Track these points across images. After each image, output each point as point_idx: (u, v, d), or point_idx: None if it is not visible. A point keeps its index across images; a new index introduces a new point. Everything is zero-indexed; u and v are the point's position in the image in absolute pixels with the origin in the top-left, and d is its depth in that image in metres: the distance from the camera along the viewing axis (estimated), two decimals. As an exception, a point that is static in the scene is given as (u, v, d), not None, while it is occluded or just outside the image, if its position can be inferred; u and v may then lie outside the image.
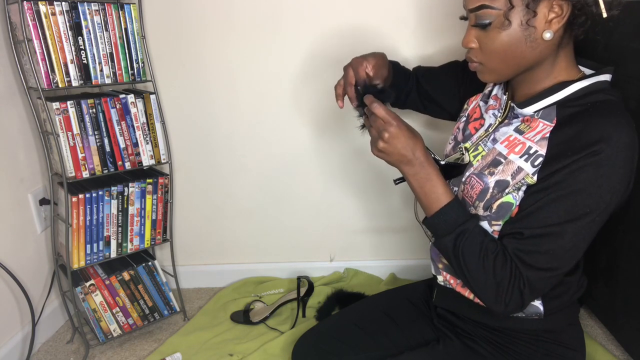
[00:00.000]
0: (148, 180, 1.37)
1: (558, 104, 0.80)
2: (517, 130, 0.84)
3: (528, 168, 0.79)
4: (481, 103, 0.98)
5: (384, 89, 0.92)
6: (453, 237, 0.82)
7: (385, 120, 0.82)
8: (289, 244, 1.68)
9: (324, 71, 1.44)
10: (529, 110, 0.83)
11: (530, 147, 0.80)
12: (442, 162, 0.92)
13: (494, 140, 0.87)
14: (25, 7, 1.10)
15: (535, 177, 0.78)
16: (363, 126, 0.93)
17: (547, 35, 0.76)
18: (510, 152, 0.83)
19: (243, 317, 1.49)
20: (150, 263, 1.45)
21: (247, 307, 1.53)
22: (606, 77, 0.81)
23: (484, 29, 0.79)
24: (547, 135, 0.79)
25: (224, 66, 1.45)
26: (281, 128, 1.52)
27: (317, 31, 1.40)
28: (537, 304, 0.88)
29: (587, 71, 0.84)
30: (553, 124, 0.79)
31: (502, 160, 0.83)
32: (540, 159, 0.78)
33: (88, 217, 1.29)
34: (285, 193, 1.61)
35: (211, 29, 1.41)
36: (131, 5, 1.24)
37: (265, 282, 1.67)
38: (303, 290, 1.52)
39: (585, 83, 0.79)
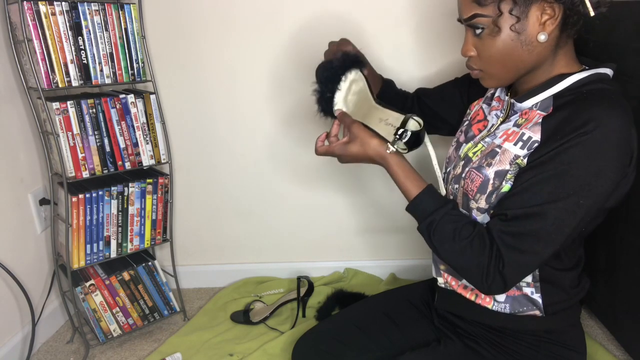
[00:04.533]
0: (148, 180, 1.37)
1: (555, 95, 0.81)
2: (515, 125, 0.85)
3: (522, 154, 0.80)
4: (484, 106, 0.98)
5: (359, 57, 0.97)
6: (425, 225, 0.85)
7: (329, 154, 0.95)
8: (289, 244, 1.68)
9: (324, 71, 1.44)
10: (528, 103, 0.84)
11: (523, 134, 0.81)
12: (392, 149, 0.90)
13: (493, 136, 0.88)
14: (25, 7, 1.10)
15: (525, 160, 0.79)
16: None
17: (542, 37, 0.76)
18: (504, 142, 0.84)
19: (243, 317, 1.49)
20: (150, 263, 1.45)
21: (247, 307, 1.53)
22: (607, 70, 0.81)
23: (478, 36, 0.80)
24: (540, 120, 0.79)
25: (224, 66, 1.46)
26: (281, 127, 1.52)
27: (317, 32, 1.40)
28: (536, 297, 0.88)
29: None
30: (548, 113, 0.80)
31: (498, 150, 0.84)
32: (536, 145, 0.78)
33: (88, 217, 1.30)
34: (285, 193, 1.61)
35: (211, 29, 1.41)
36: (131, 5, 1.24)
37: (265, 282, 1.67)
38: (303, 290, 1.52)
39: (585, 74, 0.80)
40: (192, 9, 1.39)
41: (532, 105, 0.83)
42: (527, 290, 0.89)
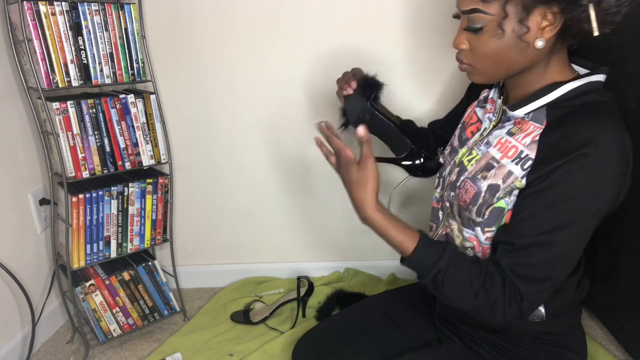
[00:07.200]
0: (148, 180, 1.37)
1: (548, 105, 0.80)
2: (509, 133, 0.84)
3: (518, 172, 0.79)
4: (477, 109, 0.97)
5: (380, 83, 0.98)
6: (430, 278, 0.82)
7: (339, 153, 0.88)
8: (289, 244, 1.68)
9: (325, 71, 1.44)
10: (520, 112, 0.82)
11: (522, 152, 0.79)
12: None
13: (488, 144, 0.87)
14: (25, 7, 1.10)
15: (524, 181, 0.78)
16: (343, 125, 1.02)
17: (539, 43, 0.75)
18: (503, 157, 0.82)
19: (243, 317, 1.49)
20: (150, 263, 1.45)
21: (247, 307, 1.53)
22: (599, 77, 0.80)
23: (475, 33, 0.78)
24: (537, 138, 0.78)
25: (224, 66, 1.45)
26: (281, 128, 1.52)
27: (318, 32, 1.40)
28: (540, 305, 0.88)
29: (583, 70, 0.83)
30: (543, 126, 0.79)
31: (495, 164, 0.83)
32: (530, 162, 0.77)
33: (88, 217, 1.29)
34: (285, 193, 1.61)
35: (211, 29, 1.41)
36: (131, 5, 1.24)
37: (265, 282, 1.67)
38: (303, 290, 1.52)
39: (577, 84, 0.79)
40: (192, 9, 1.39)
41: (524, 114, 0.82)
42: None
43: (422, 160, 1.00)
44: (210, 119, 1.52)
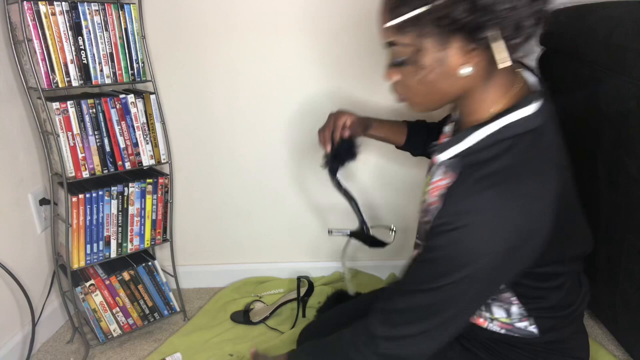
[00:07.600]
0: (148, 180, 1.37)
1: (462, 155, 0.75)
2: (440, 174, 0.80)
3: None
4: (446, 127, 0.93)
5: (353, 147, 1.06)
6: None
7: None
8: (289, 244, 1.68)
9: (325, 72, 1.44)
10: (442, 157, 0.78)
11: (436, 203, 0.76)
12: (370, 232, 1.10)
13: (432, 180, 0.84)
14: (25, 7, 1.10)
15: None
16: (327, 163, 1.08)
17: (464, 71, 0.68)
18: (433, 203, 0.79)
19: (243, 317, 1.49)
20: (150, 263, 1.45)
21: (247, 307, 1.53)
22: (527, 110, 0.70)
23: (400, 66, 0.73)
24: (444, 191, 0.73)
25: (224, 66, 1.46)
26: (281, 128, 1.52)
27: (318, 32, 1.40)
28: (532, 328, 0.86)
29: (533, 81, 0.77)
30: (454, 178, 0.73)
31: (428, 209, 0.81)
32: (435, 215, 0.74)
33: (88, 217, 1.30)
34: (286, 193, 1.61)
35: (211, 28, 1.41)
36: (131, 5, 1.24)
37: (265, 282, 1.67)
38: (303, 290, 1.52)
39: (493, 128, 0.71)
40: (192, 9, 1.39)
41: (447, 159, 0.77)
42: (520, 325, 0.86)
43: (368, 238, 1.11)
44: (210, 119, 1.52)
